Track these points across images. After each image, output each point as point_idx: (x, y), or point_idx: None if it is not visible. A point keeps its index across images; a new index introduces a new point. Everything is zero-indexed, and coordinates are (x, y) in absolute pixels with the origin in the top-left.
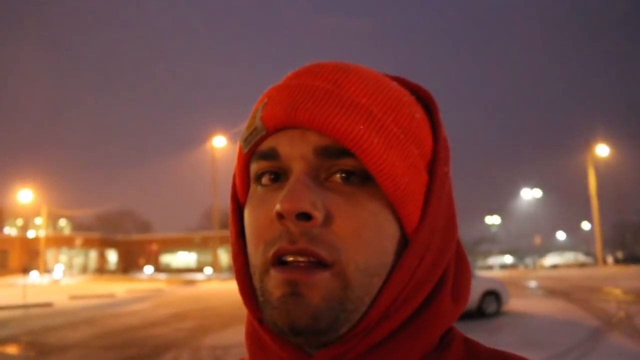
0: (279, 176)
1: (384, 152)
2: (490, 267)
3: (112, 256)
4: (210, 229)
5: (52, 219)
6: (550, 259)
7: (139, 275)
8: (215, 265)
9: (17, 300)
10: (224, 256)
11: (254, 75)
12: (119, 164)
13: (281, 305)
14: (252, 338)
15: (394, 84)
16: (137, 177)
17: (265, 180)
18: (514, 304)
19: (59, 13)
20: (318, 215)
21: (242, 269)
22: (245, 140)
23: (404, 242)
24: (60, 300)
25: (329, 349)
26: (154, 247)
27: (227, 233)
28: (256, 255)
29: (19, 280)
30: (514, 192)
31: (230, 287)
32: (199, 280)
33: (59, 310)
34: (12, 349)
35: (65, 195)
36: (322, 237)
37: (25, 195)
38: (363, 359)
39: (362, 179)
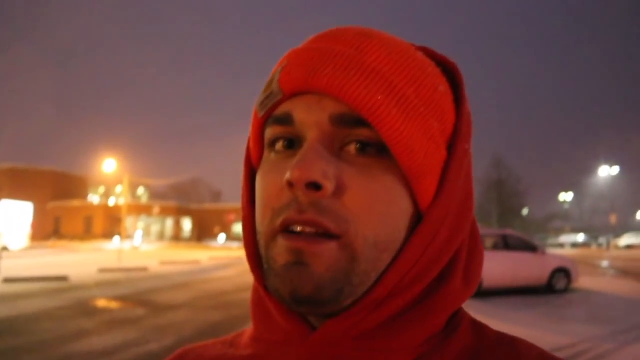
0: (292, 142)
1: (401, 123)
2: (561, 245)
3: (187, 224)
4: None
5: (131, 188)
6: (625, 239)
7: (212, 243)
8: None
9: (113, 264)
10: None
11: None
12: (193, 135)
13: (284, 272)
14: (257, 307)
15: (419, 53)
16: (209, 148)
17: (278, 146)
18: (584, 281)
19: None
20: (328, 185)
21: (250, 236)
22: (261, 104)
23: (417, 218)
24: (152, 265)
25: (333, 323)
26: (232, 216)
27: None
28: (263, 222)
29: (103, 244)
30: (591, 168)
31: None
32: None
33: (154, 274)
34: (129, 306)
35: (143, 165)
36: (332, 207)
37: (109, 164)
38: (369, 334)
39: (377, 150)
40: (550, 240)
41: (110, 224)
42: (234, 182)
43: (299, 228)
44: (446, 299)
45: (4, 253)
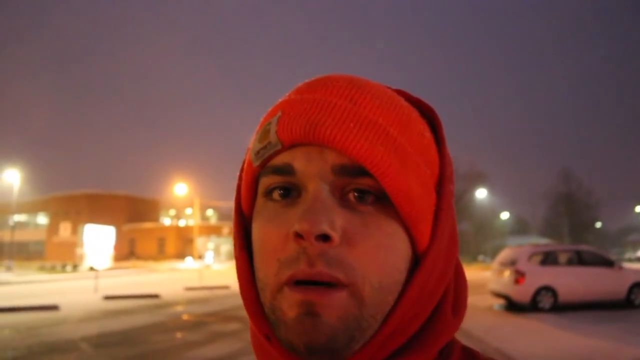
0: (289, 192)
1: (401, 173)
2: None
3: None
4: None
5: (201, 210)
6: None
7: None
8: None
9: (194, 283)
10: None
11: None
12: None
13: (297, 325)
14: (260, 352)
15: (402, 100)
16: None
17: (275, 195)
18: None
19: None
20: (336, 236)
21: (248, 284)
22: (258, 154)
23: (415, 260)
24: (232, 283)
25: None
26: None
27: None
28: (267, 273)
29: (177, 264)
30: None
31: None
32: None
33: (235, 292)
34: (223, 321)
35: (212, 188)
36: (339, 258)
37: (180, 188)
38: None
39: (377, 198)
40: (628, 255)
41: (182, 244)
42: None
43: (301, 280)
44: (441, 331)
45: (93, 273)
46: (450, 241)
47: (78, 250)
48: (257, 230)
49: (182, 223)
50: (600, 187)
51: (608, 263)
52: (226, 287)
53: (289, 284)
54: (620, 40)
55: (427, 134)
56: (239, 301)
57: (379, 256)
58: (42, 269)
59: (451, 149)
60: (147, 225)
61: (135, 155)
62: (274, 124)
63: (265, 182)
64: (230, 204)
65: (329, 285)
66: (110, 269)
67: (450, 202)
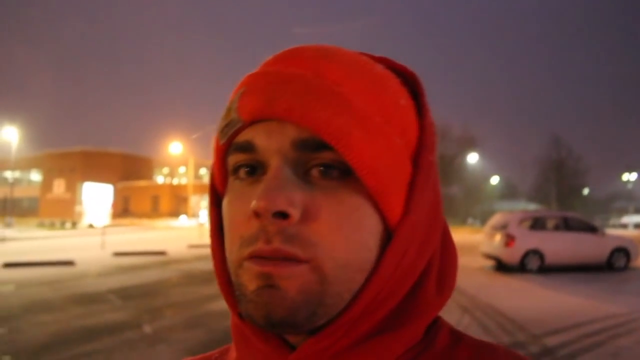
0: (255, 169)
1: (364, 145)
2: (624, 226)
3: None
4: None
5: (195, 168)
6: None
7: None
8: None
9: (196, 240)
10: None
11: None
12: None
13: (256, 298)
14: (236, 332)
15: (379, 67)
16: None
17: (242, 173)
18: None
19: None
20: (294, 213)
21: (220, 264)
22: (222, 132)
23: (388, 236)
24: None
25: (310, 343)
26: None
27: None
28: (232, 250)
29: (171, 222)
30: None
31: None
32: None
33: None
34: None
35: (205, 147)
36: (299, 234)
37: (175, 147)
38: (347, 352)
39: (342, 172)
40: (613, 221)
41: (176, 203)
42: None
43: (266, 257)
44: (420, 310)
45: (98, 230)
46: (431, 214)
47: (77, 208)
48: (225, 209)
49: (178, 181)
50: (589, 154)
51: (592, 229)
52: None
53: (249, 259)
54: (614, 10)
55: (404, 101)
56: None
57: (342, 232)
58: (41, 225)
59: (444, 112)
60: (141, 183)
61: (129, 113)
62: (236, 101)
63: (231, 160)
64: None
65: (289, 260)
66: (109, 226)
67: (428, 173)
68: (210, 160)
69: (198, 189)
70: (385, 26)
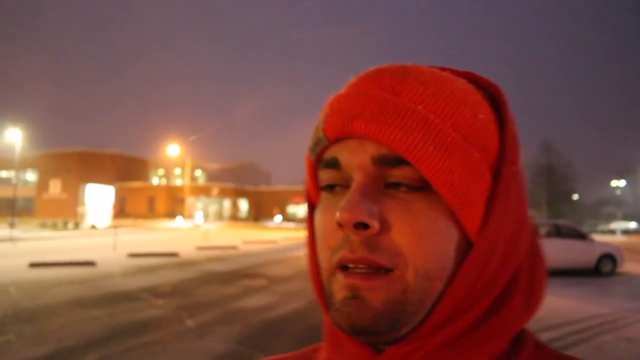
0: (342, 183)
1: (439, 159)
2: (612, 232)
3: (243, 205)
4: None
5: (190, 170)
6: None
7: (269, 223)
8: None
9: (200, 242)
10: None
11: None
12: (244, 120)
13: (343, 307)
14: (328, 333)
15: (460, 82)
16: (258, 133)
17: (330, 187)
18: (631, 267)
19: None
20: (374, 223)
21: (314, 270)
22: (311, 149)
23: (468, 246)
24: (238, 244)
25: (395, 348)
26: (298, 198)
27: None
28: (323, 259)
29: (169, 224)
30: None
31: None
32: None
33: (244, 252)
34: (249, 278)
35: (198, 149)
36: (381, 244)
37: (173, 149)
38: (434, 354)
39: (420, 186)
40: (601, 227)
41: (172, 204)
42: (282, 165)
43: (352, 265)
44: (506, 322)
45: (110, 231)
46: (516, 225)
47: (79, 209)
48: (316, 221)
49: (176, 183)
50: (579, 160)
51: (581, 236)
52: (234, 248)
53: (339, 268)
54: (608, 12)
55: (484, 115)
56: (253, 260)
57: (422, 241)
58: (43, 226)
59: None
60: (138, 184)
61: (125, 115)
62: (322, 121)
63: (321, 175)
64: (218, 165)
65: (376, 270)
66: (110, 227)
67: (508, 184)
68: (205, 162)
69: (194, 191)
70: (385, 28)
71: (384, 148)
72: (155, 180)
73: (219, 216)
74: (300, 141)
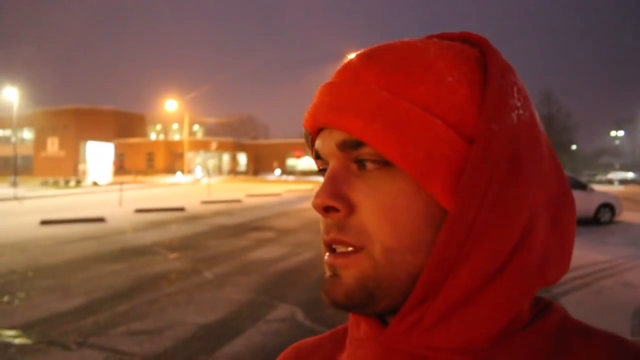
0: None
1: (389, 135)
2: (610, 182)
3: (242, 159)
4: None
5: (188, 125)
6: None
7: (268, 177)
8: None
9: (204, 197)
10: None
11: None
12: (241, 74)
13: (326, 285)
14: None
15: (433, 49)
16: (255, 87)
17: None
18: (628, 216)
19: None
20: (342, 206)
21: None
22: (306, 143)
23: (445, 215)
24: (240, 198)
25: (395, 323)
26: (299, 152)
27: None
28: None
29: (169, 179)
30: None
31: None
32: None
33: (248, 205)
34: (257, 230)
35: (196, 103)
36: (350, 224)
37: (171, 104)
38: (435, 327)
39: (384, 163)
40: (599, 177)
41: (171, 159)
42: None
43: (334, 246)
44: (511, 289)
45: (97, 188)
46: (508, 183)
47: (80, 167)
48: None
49: (175, 138)
50: (578, 110)
51: (581, 186)
52: (239, 201)
53: (326, 250)
54: None
55: (452, 78)
56: (258, 213)
57: (385, 218)
58: (45, 184)
59: None
60: (136, 140)
61: (120, 72)
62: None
63: (317, 165)
64: (216, 119)
65: (351, 249)
66: (112, 183)
67: (486, 145)
68: (203, 117)
69: (193, 146)
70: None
71: (344, 134)
72: (153, 136)
73: (218, 170)
74: (296, 94)
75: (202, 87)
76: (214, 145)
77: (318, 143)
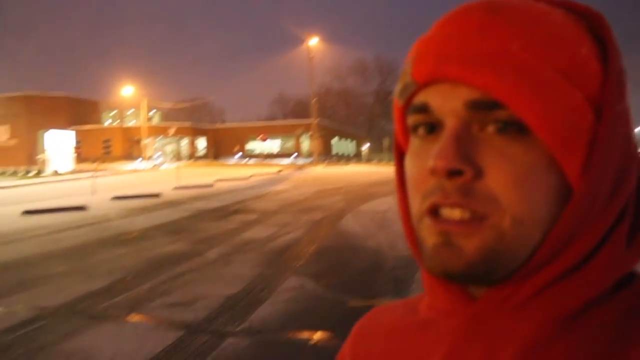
0: (434, 127)
1: (537, 101)
2: None
3: (201, 143)
4: (279, 117)
5: (146, 110)
6: None
7: (229, 161)
8: (298, 151)
9: (174, 183)
10: (305, 143)
11: None
12: (195, 60)
13: (434, 254)
14: (425, 281)
15: (557, 14)
16: (211, 72)
17: (420, 131)
18: None
19: None
20: (469, 170)
21: (405, 216)
22: (400, 94)
23: (568, 193)
24: (211, 182)
25: (490, 294)
26: (263, 135)
27: (306, 121)
28: (414, 205)
29: (124, 166)
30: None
31: (334, 171)
32: (306, 164)
33: (220, 190)
34: (239, 214)
35: (154, 88)
36: (476, 190)
37: (127, 90)
38: (527, 303)
39: (517, 130)
40: None
41: (129, 145)
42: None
43: (446, 211)
44: (606, 265)
45: (61, 177)
46: (622, 166)
47: (40, 156)
48: (407, 166)
49: (131, 124)
50: None
51: None
52: (210, 186)
53: (428, 213)
54: None
55: (585, 50)
56: (234, 197)
57: (519, 188)
58: (2, 174)
59: (395, 45)
60: (91, 127)
61: (71, 56)
62: (409, 65)
63: (410, 120)
64: (171, 104)
65: (470, 217)
66: (74, 172)
67: (614, 124)
68: (162, 102)
69: (151, 131)
70: None
71: (476, 92)
72: (108, 123)
73: (177, 156)
74: (250, 79)
75: (157, 72)
76: (171, 131)
77: (431, 96)
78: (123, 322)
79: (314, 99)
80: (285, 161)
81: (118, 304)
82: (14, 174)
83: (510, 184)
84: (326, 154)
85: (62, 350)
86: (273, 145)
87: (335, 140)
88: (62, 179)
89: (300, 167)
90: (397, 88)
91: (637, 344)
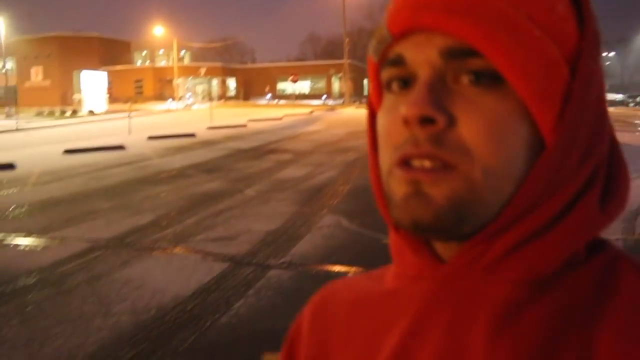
0: (407, 82)
1: (512, 49)
2: None
3: (232, 84)
4: (309, 58)
5: (177, 51)
6: None
7: (259, 101)
8: (329, 92)
9: (207, 123)
10: (336, 84)
11: None
12: None
13: (404, 204)
14: (393, 247)
15: None
16: (241, 11)
17: (394, 86)
18: (620, 137)
19: None
20: (441, 118)
21: (375, 173)
22: (374, 49)
23: (540, 146)
24: (244, 123)
25: (461, 254)
26: (294, 76)
27: (337, 62)
28: (384, 159)
29: (155, 106)
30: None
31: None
32: (337, 106)
33: (253, 130)
34: (274, 153)
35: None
36: (447, 140)
37: (158, 30)
38: (498, 263)
39: (492, 79)
40: None
41: (160, 86)
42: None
43: (416, 162)
44: (578, 226)
45: (92, 117)
46: (595, 125)
47: (75, 96)
48: (379, 122)
49: (162, 64)
50: None
51: None
52: (244, 126)
53: (399, 164)
54: None
55: (562, 7)
56: (268, 137)
57: (491, 138)
58: (40, 114)
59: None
60: (123, 67)
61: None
62: (385, 17)
63: (384, 75)
64: (202, 44)
65: (440, 166)
66: (108, 112)
67: (588, 81)
68: (193, 42)
69: (182, 71)
70: None
71: (452, 40)
72: (139, 63)
73: (208, 96)
74: (281, 16)
75: (187, 11)
76: (202, 71)
77: (406, 48)
78: (171, 254)
79: (346, 40)
80: (316, 102)
81: (165, 237)
82: (51, 114)
83: (483, 133)
84: (357, 95)
85: (118, 278)
86: (303, 86)
87: (366, 82)
88: (98, 119)
89: (332, 108)
90: (372, 42)
91: (609, 310)
